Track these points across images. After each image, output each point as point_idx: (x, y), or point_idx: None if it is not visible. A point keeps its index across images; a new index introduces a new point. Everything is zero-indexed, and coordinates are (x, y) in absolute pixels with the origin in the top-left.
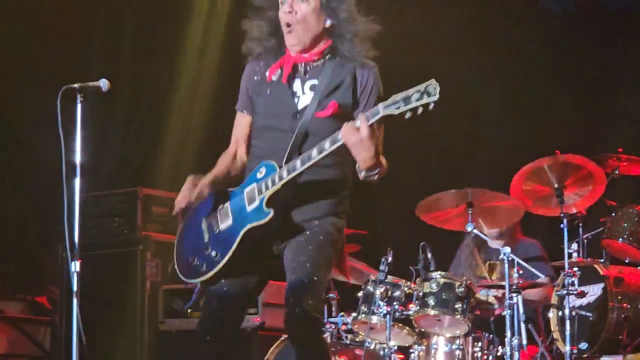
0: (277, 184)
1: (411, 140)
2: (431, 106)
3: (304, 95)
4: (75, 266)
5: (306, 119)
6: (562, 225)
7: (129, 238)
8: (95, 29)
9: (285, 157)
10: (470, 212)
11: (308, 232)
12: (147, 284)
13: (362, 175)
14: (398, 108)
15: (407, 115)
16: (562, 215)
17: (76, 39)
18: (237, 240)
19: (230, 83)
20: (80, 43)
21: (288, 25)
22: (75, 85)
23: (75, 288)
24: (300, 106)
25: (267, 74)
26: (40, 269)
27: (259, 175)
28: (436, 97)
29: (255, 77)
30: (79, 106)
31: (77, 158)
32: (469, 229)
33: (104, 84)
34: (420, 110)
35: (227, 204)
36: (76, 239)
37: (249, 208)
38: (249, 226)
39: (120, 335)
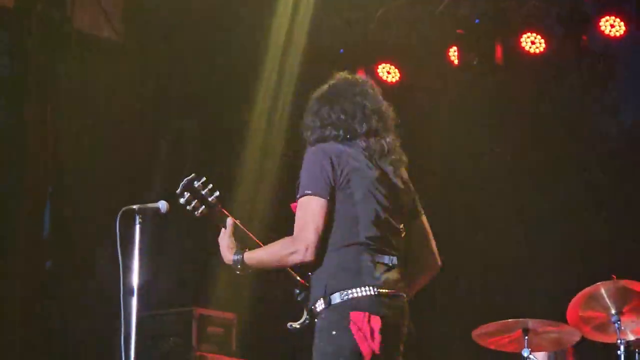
0: None
1: (466, 264)
2: None
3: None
4: None
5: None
6: (618, 352)
7: (184, 358)
8: (159, 150)
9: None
10: (526, 338)
11: None
12: None
13: None
14: None
15: None
16: (619, 342)
17: (139, 159)
18: None
19: (286, 206)
20: (143, 163)
21: None
22: (134, 207)
23: None
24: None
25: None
26: None
27: None
28: None
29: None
30: (137, 227)
31: (135, 278)
32: (525, 354)
33: (162, 205)
34: None
35: None
36: (132, 359)
37: None
38: None
39: None
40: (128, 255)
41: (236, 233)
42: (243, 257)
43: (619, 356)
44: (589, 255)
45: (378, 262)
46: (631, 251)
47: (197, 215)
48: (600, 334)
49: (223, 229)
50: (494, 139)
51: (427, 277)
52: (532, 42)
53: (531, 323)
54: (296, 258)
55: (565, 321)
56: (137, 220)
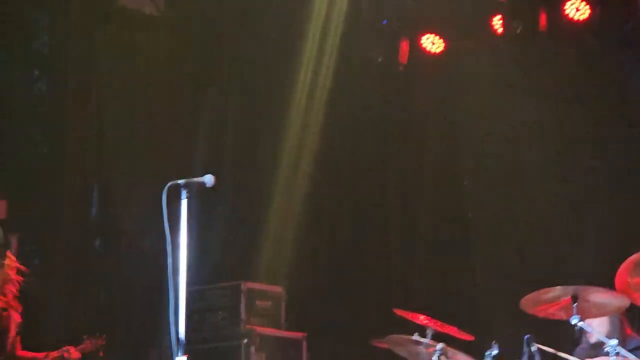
0: None
1: (512, 232)
2: None
3: None
4: None
5: None
6: None
7: (233, 332)
8: (199, 125)
9: None
10: (575, 305)
11: None
12: None
13: None
14: None
15: None
16: None
17: (181, 134)
18: None
19: (328, 179)
20: (186, 138)
21: None
22: (181, 182)
23: None
24: None
25: None
26: None
27: None
28: None
29: None
30: (184, 202)
31: (183, 253)
32: (574, 322)
33: (209, 179)
34: None
35: None
36: (182, 334)
37: None
38: None
39: None
40: (175, 231)
41: None
42: None
43: None
44: (638, 220)
45: None
46: None
47: None
48: None
49: None
50: (537, 107)
51: None
52: (577, 9)
53: (580, 290)
54: None
55: (613, 287)
56: (184, 194)
